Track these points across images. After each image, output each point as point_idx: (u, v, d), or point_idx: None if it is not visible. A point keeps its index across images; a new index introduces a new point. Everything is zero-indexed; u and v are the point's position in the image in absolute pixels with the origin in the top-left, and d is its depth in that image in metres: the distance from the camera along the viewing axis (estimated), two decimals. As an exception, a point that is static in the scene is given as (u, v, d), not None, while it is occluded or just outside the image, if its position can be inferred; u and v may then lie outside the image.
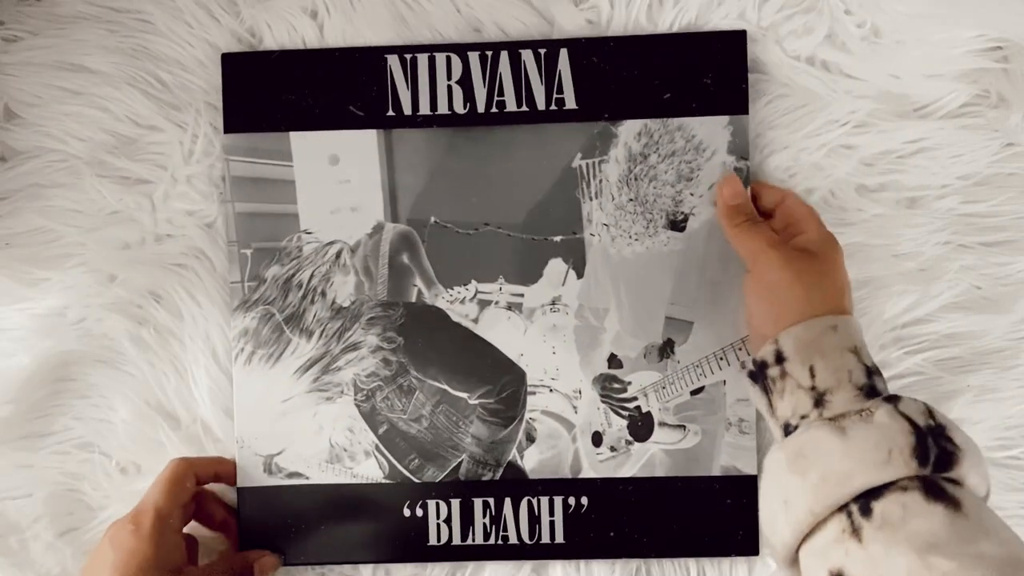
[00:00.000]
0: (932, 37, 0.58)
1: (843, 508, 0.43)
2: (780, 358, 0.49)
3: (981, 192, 0.59)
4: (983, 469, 0.44)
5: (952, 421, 0.46)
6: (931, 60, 0.58)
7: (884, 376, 0.49)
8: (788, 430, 0.48)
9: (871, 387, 0.47)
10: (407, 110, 0.58)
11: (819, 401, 0.47)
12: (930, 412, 0.45)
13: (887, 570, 0.40)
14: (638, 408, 0.58)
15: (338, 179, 0.58)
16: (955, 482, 0.43)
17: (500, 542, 0.58)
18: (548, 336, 0.58)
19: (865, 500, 0.43)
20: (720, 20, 0.58)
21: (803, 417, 0.47)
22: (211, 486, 0.59)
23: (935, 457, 0.43)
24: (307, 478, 0.59)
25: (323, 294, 0.59)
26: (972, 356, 0.59)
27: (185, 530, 0.56)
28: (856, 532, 0.42)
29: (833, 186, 0.59)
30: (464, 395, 0.58)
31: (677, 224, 0.58)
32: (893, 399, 0.46)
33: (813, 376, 0.47)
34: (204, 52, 0.59)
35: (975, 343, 0.59)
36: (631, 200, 0.58)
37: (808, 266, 0.50)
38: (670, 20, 0.58)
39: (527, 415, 0.58)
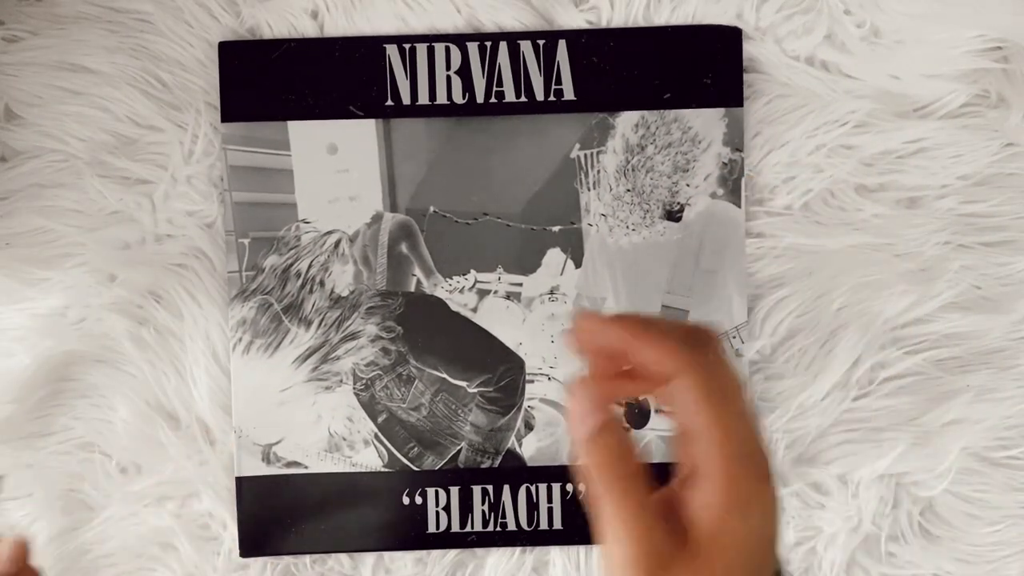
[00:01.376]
0: (932, 37, 0.58)
1: None
2: None
3: (981, 192, 0.59)
4: None
5: None
6: (931, 60, 0.58)
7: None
8: None
9: None
10: (406, 100, 0.58)
11: None
12: None
13: None
14: (635, 396, 0.59)
15: (336, 168, 0.58)
16: None
17: (499, 529, 0.59)
18: (546, 325, 0.59)
19: None
20: (718, 21, 0.58)
21: None
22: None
23: None
24: (306, 467, 0.59)
25: (322, 284, 0.59)
26: (972, 356, 0.59)
27: None
28: None
29: (833, 186, 0.59)
30: (463, 384, 0.59)
31: (673, 214, 0.59)
32: None
33: None
34: (204, 52, 0.59)
35: (975, 343, 0.59)
36: (628, 191, 0.59)
37: None
38: (668, 21, 0.59)
39: (526, 403, 0.59)
